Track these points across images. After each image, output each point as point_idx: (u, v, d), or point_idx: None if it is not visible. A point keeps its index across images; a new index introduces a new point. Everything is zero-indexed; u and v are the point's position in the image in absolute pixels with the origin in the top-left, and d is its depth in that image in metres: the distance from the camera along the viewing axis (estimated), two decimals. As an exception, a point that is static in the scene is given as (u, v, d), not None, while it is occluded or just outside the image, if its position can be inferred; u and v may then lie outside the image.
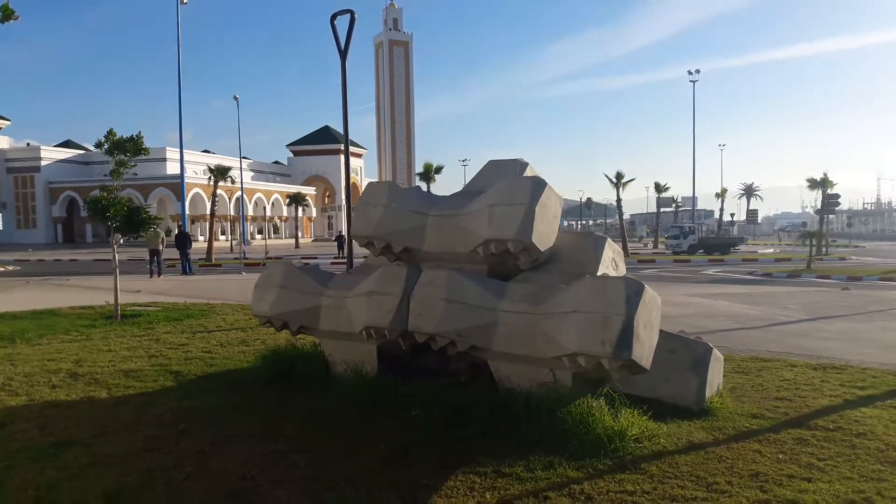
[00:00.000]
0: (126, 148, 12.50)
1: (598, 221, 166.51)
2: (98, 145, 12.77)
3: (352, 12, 13.26)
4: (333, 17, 13.51)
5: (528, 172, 7.88)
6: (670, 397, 6.78)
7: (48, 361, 9.24)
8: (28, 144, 76.17)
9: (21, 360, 9.32)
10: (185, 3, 33.44)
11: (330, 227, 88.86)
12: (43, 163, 71.10)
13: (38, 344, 10.66)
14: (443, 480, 5.10)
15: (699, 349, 6.93)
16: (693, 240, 51.86)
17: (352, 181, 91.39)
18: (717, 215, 75.60)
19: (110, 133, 12.52)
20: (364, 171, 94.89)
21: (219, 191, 62.17)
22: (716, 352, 7.08)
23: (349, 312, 7.46)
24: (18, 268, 36.95)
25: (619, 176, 45.40)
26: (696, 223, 61.48)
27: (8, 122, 73.48)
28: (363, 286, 7.34)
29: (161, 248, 28.08)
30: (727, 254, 48.31)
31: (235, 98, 48.69)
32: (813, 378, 8.46)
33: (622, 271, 7.38)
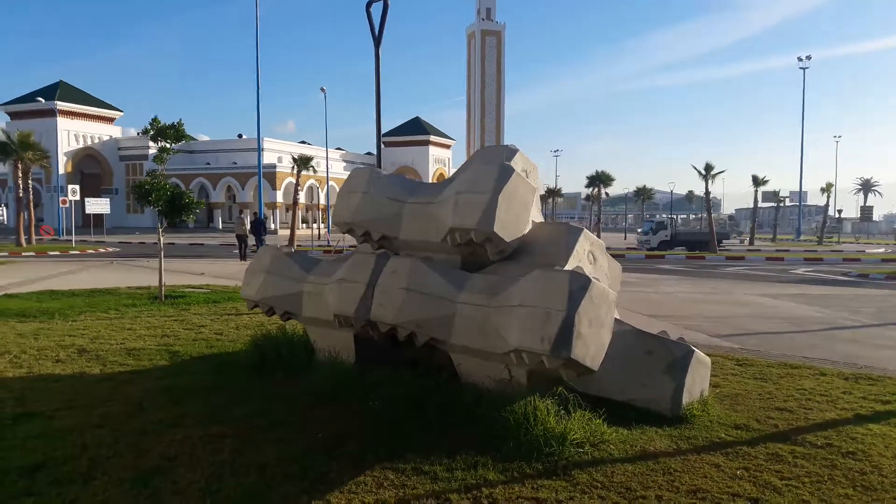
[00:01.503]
0: (167, 134, 12.93)
1: (698, 216, 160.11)
2: (144, 132, 13.32)
3: (385, 0, 13.19)
4: (369, 5, 13.48)
5: (517, 160, 7.53)
6: (643, 401, 6.31)
7: (68, 337, 9.69)
8: (138, 134, 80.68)
9: (45, 335, 9.82)
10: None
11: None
12: (150, 151, 75.26)
13: (73, 320, 11.21)
14: (356, 474, 4.93)
15: (678, 351, 6.42)
16: (665, 235, 46.33)
17: (439, 172, 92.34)
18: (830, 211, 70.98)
19: (154, 121, 13.01)
20: (452, 162, 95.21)
21: (311, 181, 63.72)
22: (699, 355, 6.53)
23: (325, 299, 7.39)
24: (118, 249, 39.27)
25: (707, 168, 43.13)
26: (671, 217, 55.56)
27: (121, 113, 78.12)
28: (337, 273, 7.25)
29: (247, 233, 29.48)
30: (709, 251, 42.56)
31: (322, 90, 49.84)
32: (836, 388, 7.71)
33: (602, 265, 6.94)
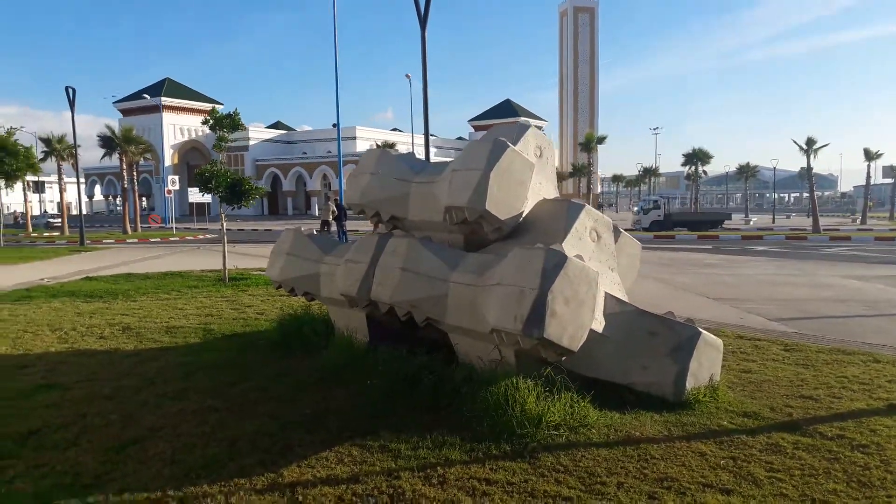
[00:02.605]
0: (224, 124, 13.41)
1: (818, 194, 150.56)
2: (204, 122, 13.81)
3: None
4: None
5: (528, 136, 7.30)
6: (644, 385, 6.01)
7: (120, 316, 10.26)
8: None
9: (101, 314, 10.44)
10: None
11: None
12: (251, 142, 78.28)
13: (133, 300, 11.87)
14: (321, 449, 4.97)
15: (684, 333, 6.05)
16: (657, 215, 43.11)
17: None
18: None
19: (213, 111, 13.51)
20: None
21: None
22: (708, 337, 6.13)
23: (336, 280, 7.45)
24: (216, 236, 41.21)
25: (809, 142, 40.48)
26: (665, 198, 50.87)
27: (222, 106, 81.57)
28: (347, 254, 7.30)
29: (331, 218, 30.12)
30: (704, 231, 39.58)
31: (407, 76, 50.11)
32: (882, 377, 7.09)
33: (607, 242, 6.63)
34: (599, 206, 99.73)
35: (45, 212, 65.50)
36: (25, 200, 50.86)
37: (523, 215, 6.61)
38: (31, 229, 47.17)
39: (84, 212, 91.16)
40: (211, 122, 13.68)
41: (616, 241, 7.37)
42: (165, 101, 73.71)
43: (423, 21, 13.50)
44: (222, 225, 14.59)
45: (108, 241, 34.52)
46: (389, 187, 7.34)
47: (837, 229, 44.13)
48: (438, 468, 4.63)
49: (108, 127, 40.66)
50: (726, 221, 46.43)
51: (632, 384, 6.04)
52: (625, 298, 6.59)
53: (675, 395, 5.94)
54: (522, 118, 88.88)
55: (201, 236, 39.75)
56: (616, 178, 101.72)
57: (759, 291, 14.03)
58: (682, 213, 51.86)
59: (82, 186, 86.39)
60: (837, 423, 5.63)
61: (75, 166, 34.27)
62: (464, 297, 6.00)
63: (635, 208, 53.87)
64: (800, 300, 12.84)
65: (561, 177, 77.61)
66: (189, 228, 47.12)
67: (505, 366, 5.83)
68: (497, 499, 4.22)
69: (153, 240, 35.86)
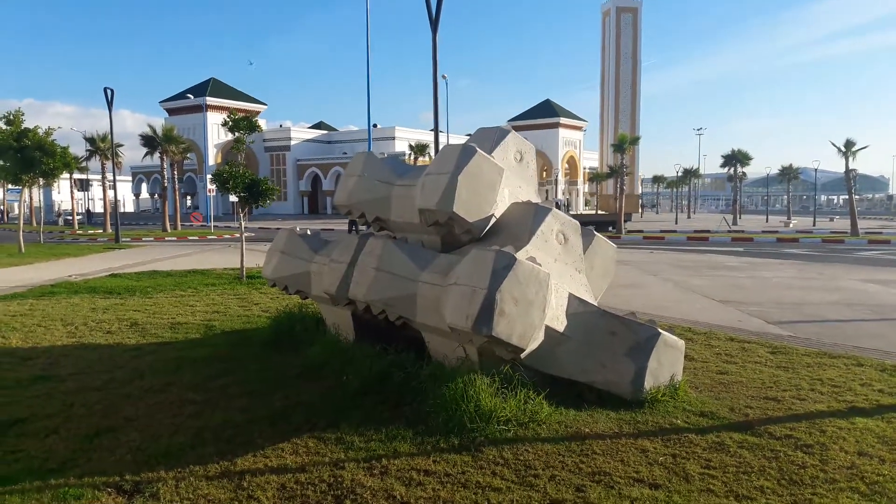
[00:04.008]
0: (241, 126, 13.87)
1: (867, 196, 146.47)
2: (224, 123, 14.30)
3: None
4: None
5: (508, 141, 7.50)
6: (603, 383, 6.16)
7: (132, 312, 10.74)
8: (281, 126, 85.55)
9: (114, 310, 10.94)
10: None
11: (547, 200, 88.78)
12: (293, 142, 79.61)
13: (149, 297, 12.37)
14: (279, 441, 5.25)
15: (643, 333, 6.18)
16: None
17: (569, 155, 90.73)
18: None
19: (232, 112, 13.97)
20: (583, 144, 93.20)
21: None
22: (667, 338, 6.25)
23: (322, 278, 7.75)
24: (253, 234, 42.05)
25: (848, 144, 39.51)
26: (567, 198, 50.51)
27: (265, 107, 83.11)
28: (332, 254, 7.59)
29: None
30: (613, 231, 38.19)
31: (444, 76, 50.24)
32: (857, 380, 7.10)
33: (574, 245, 6.78)
34: (641, 208, 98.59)
35: (88, 210, 67.49)
36: (72, 198, 52.71)
37: (494, 218, 6.80)
38: (76, 226, 48.85)
39: (131, 209, 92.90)
40: (230, 124, 14.16)
41: (590, 244, 7.54)
42: (210, 100, 75.28)
43: (434, 24, 13.72)
44: (240, 224, 15.07)
45: (148, 238, 35.57)
46: (373, 189, 7.61)
47: (880, 232, 43.02)
48: (384, 460, 4.87)
49: (150, 126, 41.93)
50: (628, 222, 46.58)
51: (592, 382, 6.20)
52: (591, 299, 6.75)
53: (634, 394, 6.08)
54: (562, 118, 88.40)
55: (237, 234, 40.62)
56: (657, 180, 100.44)
57: (769, 294, 13.94)
58: (579, 215, 53.37)
59: (128, 185, 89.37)
60: (791, 423, 5.71)
61: (112, 165, 35.40)
62: (429, 296, 6.24)
63: None
64: (806, 304, 12.74)
65: (600, 178, 76.99)
66: (229, 227, 48.14)
67: (468, 363, 6.05)
68: (430, 489, 4.45)
69: (191, 238, 36.77)
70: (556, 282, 6.45)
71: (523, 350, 5.45)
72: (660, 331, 6.24)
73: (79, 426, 5.57)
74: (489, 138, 7.62)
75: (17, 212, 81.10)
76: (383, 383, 6.42)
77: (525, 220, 6.65)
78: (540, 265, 5.72)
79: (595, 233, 7.61)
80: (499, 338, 5.27)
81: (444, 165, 6.54)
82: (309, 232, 8.75)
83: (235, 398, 6.33)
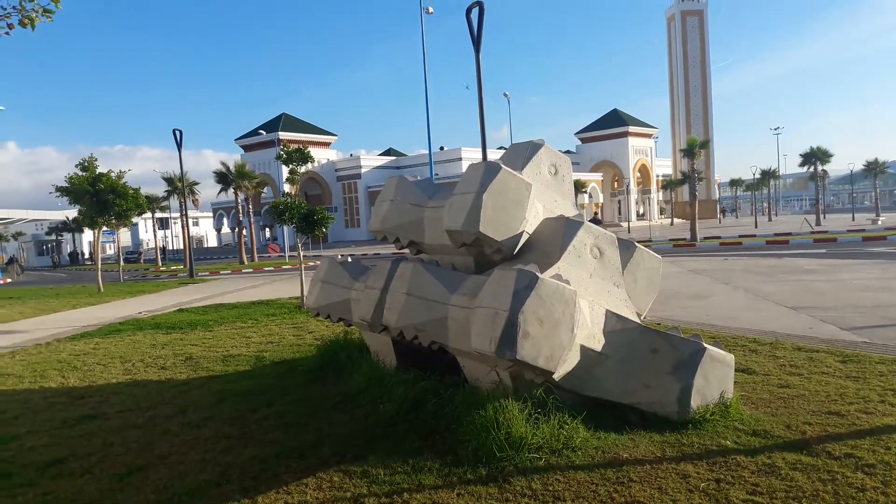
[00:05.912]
0: (294, 158, 14.12)
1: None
2: (278, 157, 14.58)
3: (481, 4, 13.24)
4: (468, 12, 13.63)
5: (541, 155, 7.28)
6: (647, 404, 5.80)
7: (190, 346, 10.96)
8: (351, 155, 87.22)
9: (173, 345, 11.19)
10: (430, 13, 35.59)
11: (619, 211, 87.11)
12: (363, 170, 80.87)
13: (210, 329, 12.63)
14: (305, 475, 5.14)
15: (687, 349, 5.80)
16: None
17: (641, 163, 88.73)
18: None
19: (285, 146, 14.26)
20: (655, 151, 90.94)
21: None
22: (714, 353, 5.84)
23: (360, 305, 7.67)
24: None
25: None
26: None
27: (335, 138, 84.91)
28: (368, 280, 7.51)
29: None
30: None
31: (506, 95, 50.41)
32: (939, 389, 6.49)
33: (611, 259, 6.45)
34: (722, 212, 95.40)
35: (163, 247, 70.34)
36: (155, 236, 55.11)
37: (527, 234, 6.57)
38: (160, 264, 50.96)
39: (214, 244, 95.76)
40: (284, 156, 14.44)
41: (631, 256, 7.19)
42: (282, 135, 77.46)
43: (476, 44, 13.63)
44: (299, 253, 15.28)
45: (225, 271, 36.68)
46: (406, 213, 7.50)
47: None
48: (405, 493, 4.69)
49: (223, 163, 43.46)
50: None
51: (635, 403, 5.85)
52: (632, 315, 6.41)
53: (680, 414, 5.70)
54: (631, 126, 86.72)
55: (311, 263, 41.44)
56: (734, 183, 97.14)
57: (846, 298, 13.07)
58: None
59: (210, 220, 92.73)
60: (853, 440, 5.22)
61: (184, 203, 36.78)
62: (459, 319, 6.04)
63: None
64: (887, 306, 11.86)
65: (673, 185, 75.06)
66: (305, 256, 49.23)
67: (502, 387, 5.82)
68: (449, 523, 4.24)
69: (267, 269, 37.72)
70: (591, 298, 6.16)
71: (552, 372, 5.18)
72: (705, 345, 5.84)
73: (113, 465, 5.63)
74: (521, 154, 7.41)
75: (107, 252, 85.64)
76: (417, 411, 6.25)
77: (556, 235, 6.39)
78: (568, 282, 5.45)
79: (637, 244, 7.25)
80: (524, 361, 5.02)
81: (469, 185, 6.36)
82: (350, 259, 8.71)
83: (270, 431, 6.28)
